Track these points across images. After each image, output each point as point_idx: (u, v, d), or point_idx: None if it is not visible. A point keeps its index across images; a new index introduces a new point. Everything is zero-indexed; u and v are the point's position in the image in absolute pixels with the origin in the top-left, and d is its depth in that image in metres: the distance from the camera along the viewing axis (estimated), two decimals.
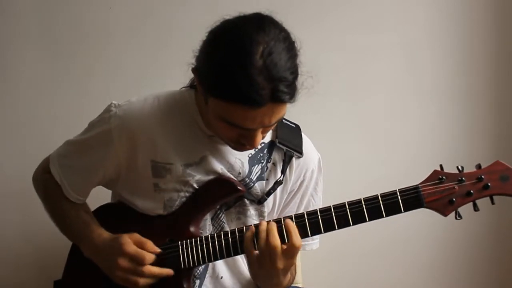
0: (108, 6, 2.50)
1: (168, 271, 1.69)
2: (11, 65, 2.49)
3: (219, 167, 1.75)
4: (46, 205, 1.91)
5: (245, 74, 1.39)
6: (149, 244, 1.69)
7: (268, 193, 1.79)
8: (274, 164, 1.81)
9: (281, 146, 1.79)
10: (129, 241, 1.67)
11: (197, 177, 1.74)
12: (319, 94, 2.50)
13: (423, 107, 2.65)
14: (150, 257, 1.67)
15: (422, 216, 2.42)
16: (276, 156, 1.81)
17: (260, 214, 1.83)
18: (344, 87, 2.61)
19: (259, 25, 1.46)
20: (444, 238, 2.69)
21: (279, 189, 1.82)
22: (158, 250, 1.69)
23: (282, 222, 1.62)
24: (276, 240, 1.57)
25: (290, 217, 1.64)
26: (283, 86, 1.42)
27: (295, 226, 1.61)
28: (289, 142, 1.80)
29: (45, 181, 1.89)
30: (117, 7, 2.51)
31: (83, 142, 1.81)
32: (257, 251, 1.61)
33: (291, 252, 1.59)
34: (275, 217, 1.84)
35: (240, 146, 1.61)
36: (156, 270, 1.67)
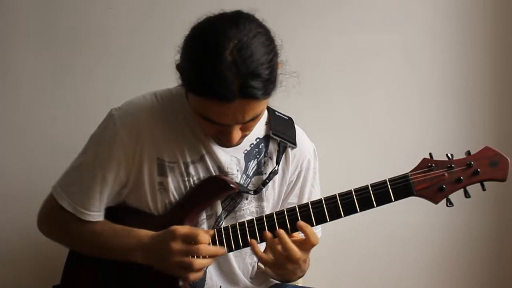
0: (108, 6, 2.51)
1: (223, 250, 1.66)
2: (11, 65, 2.50)
3: (216, 166, 1.76)
4: (69, 240, 1.84)
5: (214, 69, 1.42)
6: (201, 231, 1.64)
7: (264, 183, 1.79)
8: (271, 158, 1.82)
9: (275, 137, 1.80)
10: (181, 226, 1.63)
11: (196, 177, 1.75)
12: (319, 93, 2.56)
13: (423, 107, 2.65)
14: (204, 236, 1.62)
15: (423, 216, 2.43)
16: (272, 149, 1.82)
17: (261, 212, 1.83)
18: (344, 87, 2.61)
19: (234, 21, 1.48)
20: (444, 238, 2.69)
21: (277, 181, 1.83)
22: (211, 232, 1.67)
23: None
24: (295, 251, 1.58)
25: (282, 211, 1.65)
26: (253, 82, 1.43)
27: (307, 225, 1.62)
28: (282, 133, 1.81)
29: (59, 217, 1.80)
30: (117, 7, 2.52)
31: (90, 158, 1.76)
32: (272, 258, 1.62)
33: (308, 246, 1.62)
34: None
35: (221, 142, 1.63)
36: (211, 248, 1.63)
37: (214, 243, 1.68)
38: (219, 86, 1.41)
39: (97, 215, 1.78)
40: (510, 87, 2.64)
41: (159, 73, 2.38)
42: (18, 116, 2.53)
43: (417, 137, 2.64)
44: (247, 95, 1.44)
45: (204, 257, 1.62)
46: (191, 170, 1.74)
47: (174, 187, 1.74)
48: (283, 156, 1.82)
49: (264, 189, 1.81)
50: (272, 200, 1.86)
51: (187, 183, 1.75)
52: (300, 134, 1.87)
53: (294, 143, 1.83)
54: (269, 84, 1.48)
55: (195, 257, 1.61)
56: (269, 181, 1.80)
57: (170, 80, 1.74)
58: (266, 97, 1.49)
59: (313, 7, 2.58)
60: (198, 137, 1.73)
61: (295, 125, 1.87)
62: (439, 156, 1.61)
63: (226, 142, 1.59)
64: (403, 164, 2.54)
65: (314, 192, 1.92)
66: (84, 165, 1.78)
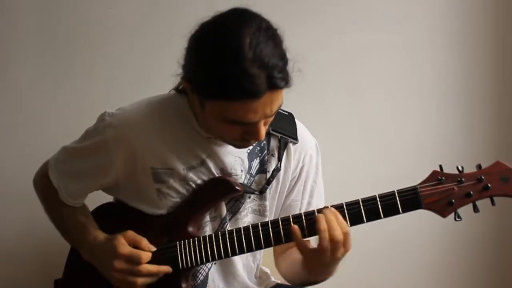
0: (108, 6, 2.50)
1: (166, 269, 1.68)
2: (11, 65, 2.49)
3: (219, 168, 1.75)
4: (46, 209, 1.92)
5: (239, 68, 1.41)
6: (144, 242, 1.68)
7: (268, 182, 1.79)
8: (273, 155, 1.81)
9: (275, 133, 1.78)
10: (123, 242, 1.67)
11: (199, 181, 1.74)
12: (319, 93, 2.55)
13: (424, 107, 2.65)
14: (147, 256, 1.66)
15: (423, 217, 2.41)
16: (274, 146, 1.81)
17: (263, 211, 1.83)
18: (345, 87, 2.61)
19: (240, 19, 1.47)
20: (444, 239, 2.70)
21: (280, 178, 1.82)
22: (153, 248, 1.69)
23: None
24: (339, 234, 1.54)
25: (288, 218, 1.63)
26: (276, 73, 1.43)
27: (338, 213, 1.58)
28: (283, 129, 1.79)
29: (43, 185, 1.89)
30: (117, 7, 2.51)
31: (80, 151, 1.81)
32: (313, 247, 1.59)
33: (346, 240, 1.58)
34: (279, 210, 1.87)
35: (244, 143, 1.61)
36: (153, 268, 1.67)
37: (218, 246, 1.68)
38: (248, 83, 1.41)
39: (72, 202, 1.83)
40: (510, 87, 2.64)
41: (159, 73, 2.38)
42: (18, 116, 2.52)
43: (417, 137, 2.65)
44: (273, 86, 1.44)
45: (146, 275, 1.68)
46: (192, 175, 1.73)
47: (174, 192, 1.74)
48: (285, 152, 1.81)
49: (268, 188, 1.81)
50: (276, 197, 1.85)
51: (188, 186, 1.74)
52: (301, 129, 1.86)
53: (295, 138, 1.81)
54: (287, 72, 1.48)
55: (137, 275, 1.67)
56: (273, 179, 1.79)
57: (170, 80, 1.75)
58: (288, 85, 1.49)
59: (313, 7, 2.57)
60: (197, 142, 1.72)
61: (296, 120, 1.85)
62: (441, 155, 1.60)
63: (253, 140, 1.59)
64: (403, 164, 2.57)
65: (317, 188, 1.90)
66: (75, 154, 1.83)
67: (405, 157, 2.58)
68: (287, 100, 1.63)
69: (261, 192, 1.79)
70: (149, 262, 1.67)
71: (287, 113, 1.84)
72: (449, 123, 2.66)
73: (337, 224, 1.55)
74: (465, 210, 1.58)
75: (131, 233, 1.69)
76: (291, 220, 1.63)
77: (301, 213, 1.63)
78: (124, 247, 1.66)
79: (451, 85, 2.64)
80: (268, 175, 1.80)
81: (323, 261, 1.58)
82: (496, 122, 2.66)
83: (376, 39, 2.59)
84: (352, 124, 2.63)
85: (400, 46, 2.62)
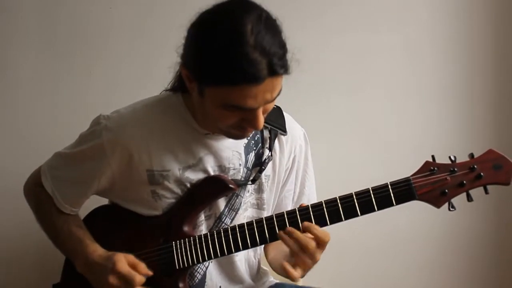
0: (108, 6, 2.51)
1: None
2: (11, 65, 2.50)
3: (217, 164, 1.76)
4: (38, 218, 1.91)
5: (242, 53, 1.42)
6: (142, 266, 1.66)
7: (260, 170, 1.80)
8: (267, 147, 1.82)
9: (266, 125, 1.79)
10: (123, 260, 1.65)
11: (194, 180, 1.74)
12: (319, 93, 2.55)
13: (423, 107, 2.65)
14: (141, 280, 1.64)
15: (423, 215, 2.44)
16: (266, 137, 1.83)
17: (261, 204, 1.85)
18: (344, 87, 2.61)
19: (241, 7, 1.49)
20: (444, 237, 2.69)
21: (276, 170, 1.84)
22: (150, 273, 1.67)
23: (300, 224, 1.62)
24: (313, 249, 1.57)
25: (282, 214, 1.63)
26: (277, 60, 1.45)
27: (314, 225, 1.60)
28: (272, 121, 1.81)
29: (37, 193, 1.88)
30: (117, 7, 2.52)
31: (75, 156, 1.80)
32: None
33: (323, 245, 1.60)
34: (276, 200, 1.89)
35: (241, 131, 1.61)
36: None
37: (214, 245, 1.69)
38: (250, 68, 1.42)
39: (69, 208, 1.82)
40: (510, 86, 2.64)
41: (159, 73, 2.38)
42: (18, 116, 2.53)
43: (417, 137, 2.65)
44: (274, 73, 1.46)
45: None
46: (188, 174, 1.74)
47: (170, 192, 1.75)
48: (278, 143, 1.84)
49: (264, 181, 1.82)
50: (274, 190, 1.87)
51: (183, 186, 1.75)
52: (289, 120, 1.88)
53: (284, 130, 1.83)
54: (286, 60, 1.50)
55: None
56: (264, 168, 1.80)
57: (169, 80, 1.75)
58: (287, 72, 1.51)
59: (312, 7, 2.58)
60: (195, 139, 1.73)
61: (284, 112, 1.87)
62: (440, 156, 1.59)
63: (251, 128, 1.59)
64: (402, 164, 2.54)
65: (308, 177, 1.93)
66: (69, 159, 1.82)
67: (405, 157, 2.55)
68: (287, 99, 1.63)
69: (254, 181, 1.80)
70: (146, 264, 1.67)
71: (275, 106, 1.84)
72: (449, 123, 2.66)
73: (317, 233, 1.58)
74: (466, 210, 1.57)
75: (131, 257, 1.68)
76: (285, 216, 1.63)
77: (284, 211, 1.65)
78: (123, 265, 1.64)
79: (451, 85, 2.64)
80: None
81: (303, 264, 1.62)
82: (496, 122, 2.65)
83: (376, 39, 2.60)
84: (352, 123, 2.63)
85: (401, 46, 2.62)
